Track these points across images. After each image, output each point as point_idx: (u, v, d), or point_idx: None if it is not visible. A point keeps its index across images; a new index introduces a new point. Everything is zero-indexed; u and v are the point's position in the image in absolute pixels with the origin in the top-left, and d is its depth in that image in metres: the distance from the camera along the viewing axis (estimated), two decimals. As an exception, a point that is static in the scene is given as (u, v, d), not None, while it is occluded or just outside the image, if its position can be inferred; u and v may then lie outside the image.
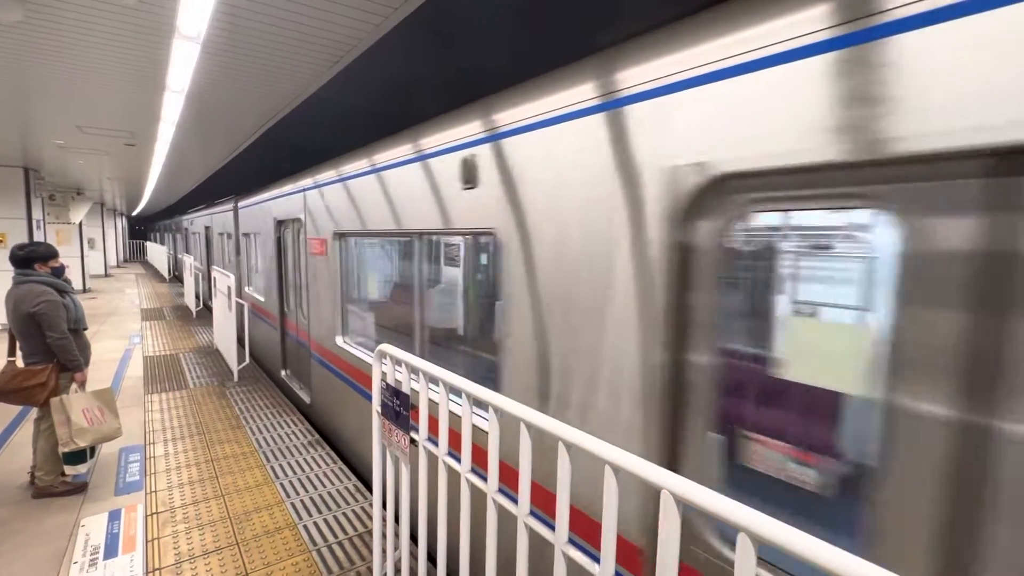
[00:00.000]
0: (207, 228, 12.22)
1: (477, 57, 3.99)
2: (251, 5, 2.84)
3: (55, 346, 3.47)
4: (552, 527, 1.45)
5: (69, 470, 3.59)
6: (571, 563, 1.40)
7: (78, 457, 3.55)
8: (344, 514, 3.53)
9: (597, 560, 1.31)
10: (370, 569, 2.92)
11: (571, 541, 1.42)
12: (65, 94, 4.82)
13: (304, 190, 5.12)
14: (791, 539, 0.90)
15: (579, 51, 2.01)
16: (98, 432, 3.54)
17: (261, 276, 7.47)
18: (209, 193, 13.89)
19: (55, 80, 4.37)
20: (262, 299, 7.45)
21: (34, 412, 3.72)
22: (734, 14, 1.46)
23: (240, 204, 8.39)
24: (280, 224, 6.24)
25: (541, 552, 1.74)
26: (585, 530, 1.93)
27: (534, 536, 1.53)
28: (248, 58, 3.70)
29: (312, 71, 3.95)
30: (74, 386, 3.61)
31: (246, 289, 8.52)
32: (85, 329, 3.83)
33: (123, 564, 2.93)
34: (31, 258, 3.59)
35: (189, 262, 12.06)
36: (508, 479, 1.86)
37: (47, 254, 3.69)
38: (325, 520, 3.45)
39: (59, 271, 3.75)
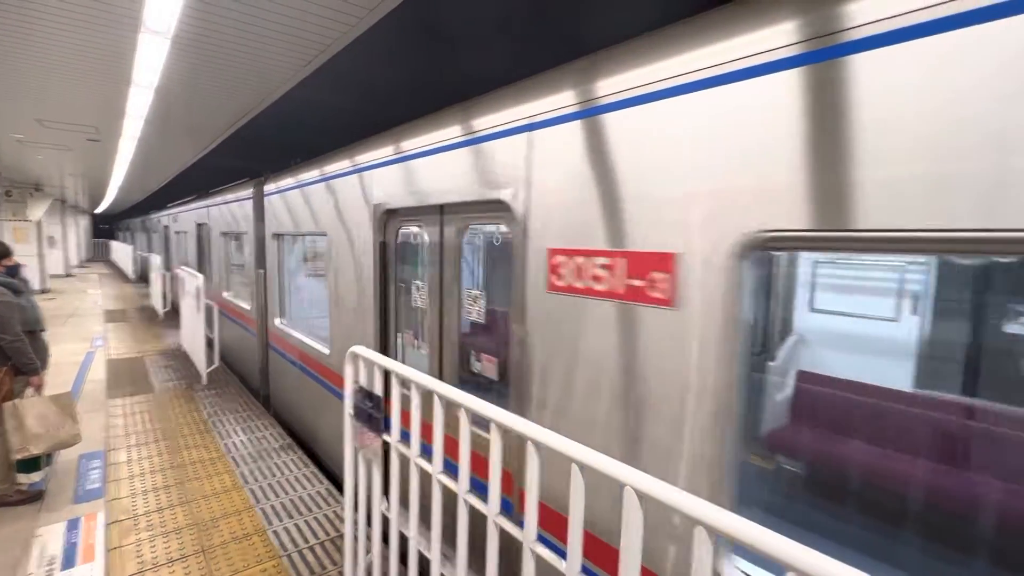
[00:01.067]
0: (200, 226, 8.95)
1: (459, 60, 3.99)
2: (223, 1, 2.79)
3: (8, 349, 3.32)
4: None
5: (22, 478, 3.43)
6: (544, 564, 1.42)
7: (32, 465, 3.40)
8: (316, 519, 3.48)
9: (564, 556, 1.33)
10: (341, 574, 2.89)
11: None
12: (24, 87, 4.62)
13: (531, 127, 2.10)
14: (749, 533, 0.93)
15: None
16: (54, 438, 3.40)
17: (318, 305, 4.69)
18: (196, 184, 11.53)
19: (13, 72, 4.18)
20: (325, 351, 4.29)
21: (-14, 418, 3.55)
22: None
23: (269, 188, 5.54)
24: (389, 217, 3.36)
25: (516, 553, 1.76)
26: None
27: (507, 537, 1.54)
28: (221, 55, 3.62)
29: (290, 68, 3.89)
30: (30, 390, 3.46)
31: (277, 322, 5.56)
32: (43, 331, 3.68)
33: (82, 574, 2.82)
34: (-16, 257, 3.44)
35: (155, 261, 11.69)
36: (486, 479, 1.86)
37: (1, 252, 3.54)
38: (296, 525, 3.39)
39: (14, 270, 3.61)
